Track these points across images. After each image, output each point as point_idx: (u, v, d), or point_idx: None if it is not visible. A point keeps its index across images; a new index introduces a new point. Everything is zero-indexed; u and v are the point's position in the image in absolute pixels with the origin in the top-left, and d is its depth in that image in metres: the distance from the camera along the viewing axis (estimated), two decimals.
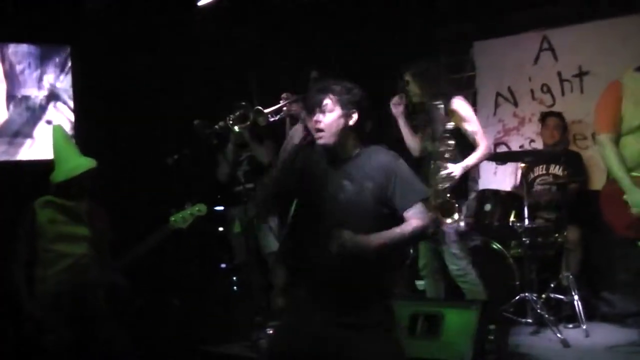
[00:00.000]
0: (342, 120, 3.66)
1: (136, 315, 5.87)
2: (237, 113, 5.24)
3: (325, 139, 3.66)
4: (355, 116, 3.69)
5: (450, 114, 5.57)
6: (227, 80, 7.53)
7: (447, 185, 5.40)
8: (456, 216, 5.38)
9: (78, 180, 4.89)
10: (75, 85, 7.19)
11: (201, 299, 6.69)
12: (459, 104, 5.64)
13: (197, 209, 5.05)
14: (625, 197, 4.91)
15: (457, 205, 5.41)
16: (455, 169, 5.41)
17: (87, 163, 4.95)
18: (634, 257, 5.24)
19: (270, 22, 7.71)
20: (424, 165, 5.62)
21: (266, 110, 4.93)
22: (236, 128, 5.22)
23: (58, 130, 5.18)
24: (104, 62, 7.04)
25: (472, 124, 5.62)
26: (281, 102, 5.34)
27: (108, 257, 5.01)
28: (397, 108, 5.90)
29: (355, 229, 3.48)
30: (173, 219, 4.99)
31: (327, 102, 3.65)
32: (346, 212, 3.59)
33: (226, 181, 6.71)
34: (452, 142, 5.45)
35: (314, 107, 3.66)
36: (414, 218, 3.60)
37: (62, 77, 7.17)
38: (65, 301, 4.74)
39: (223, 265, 6.97)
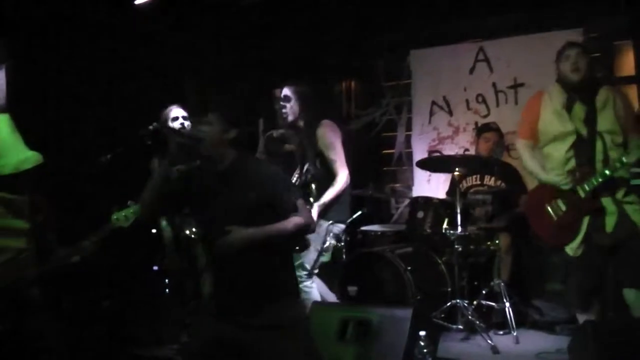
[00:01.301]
0: (220, 135, 3.86)
1: (66, 315, 5.77)
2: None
3: (206, 151, 3.84)
4: (234, 131, 3.90)
5: (316, 139, 5.66)
6: (165, 79, 7.47)
7: None
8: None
9: (25, 175, 4.75)
10: (9, 81, 7.02)
11: (132, 301, 6.60)
12: (324, 131, 5.70)
13: (139, 207, 4.84)
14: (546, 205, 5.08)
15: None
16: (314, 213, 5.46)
17: (34, 158, 4.77)
18: (563, 265, 5.31)
19: (210, 23, 7.66)
20: None
21: None
22: None
23: (3, 120, 4.91)
24: (38, 59, 6.90)
25: (333, 152, 5.67)
26: None
27: (53, 250, 4.89)
28: None
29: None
30: (115, 217, 4.94)
31: (208, 116, 3.88)
32: (232, 218, 3.73)
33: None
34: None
35: (197, 119, 3.93)
36: (296, 216, 3.84)
37: None
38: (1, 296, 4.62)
39: (155, 268, 6.87)
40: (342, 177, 5.66)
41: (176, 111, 6.52)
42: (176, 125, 6.39)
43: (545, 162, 5.18)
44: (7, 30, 6.77)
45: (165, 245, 6.67)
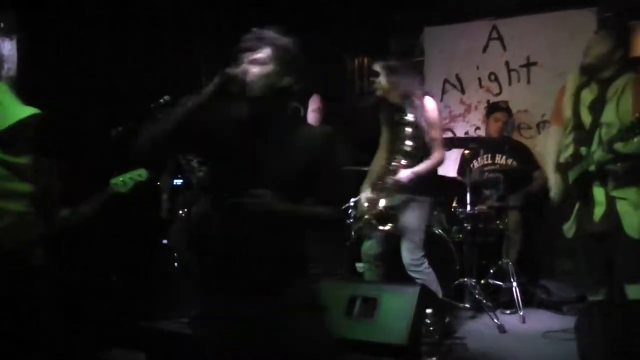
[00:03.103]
0: (273, 79, 3.20)
1: (74, 290, 5.81)
2: None
3: (251, 93, 3.17)
4: (288, 79, 3.23)
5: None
6: (175, 51, 7.47)
7: (390, 194, 5.44)
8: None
9: (21, 129, 4.64)
10: (20, 53, 7.01)
11: (141, 275, 6.63)
12: (429, 104, 5.53)
13: (137, 173, 4.97)
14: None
15: (396, 213, 5.44)
16: (403, 175, 5.38)
17: (29, 110, 4.68)
18: (572, 246, 5.26)
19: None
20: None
21: None
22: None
23: (2, 88, 4.88)
24: (50, 31, 6.88)
25: (434, 130, 5.50)
26: None
27: (55, 213, 4.88)
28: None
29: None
30: (113, 182, 4.93)
31: (262, 54, 3.20)
32: (265, 180, 3.12)
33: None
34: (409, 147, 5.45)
35: (246, 54, 3.21)
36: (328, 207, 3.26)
37: (7, 44, 6.98)
38: (3, 260, 4.66)
39: (165, 242, 6.90)
40: (439, 155, 5.53)
41: None
42: None
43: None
44: (18, 1, 6.76)
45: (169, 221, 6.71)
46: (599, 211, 4.56)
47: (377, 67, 5.71)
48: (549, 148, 5.03)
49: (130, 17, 7.13)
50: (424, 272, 5.53)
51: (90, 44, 6.94)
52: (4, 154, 4.76)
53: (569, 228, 4.76)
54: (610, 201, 4.57)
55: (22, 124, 4.64)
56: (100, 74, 6.96)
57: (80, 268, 6.05)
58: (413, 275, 5.53)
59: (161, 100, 5.86)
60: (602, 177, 4.57)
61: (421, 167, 5.46)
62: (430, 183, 5.57)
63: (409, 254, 5.51)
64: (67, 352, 4.93)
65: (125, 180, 4.94)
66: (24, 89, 6.68)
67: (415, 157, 5.47)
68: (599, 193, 4.60)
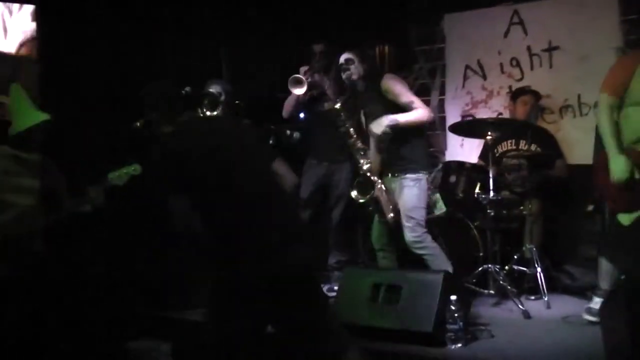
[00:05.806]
0: None
1: (97, 280, 5.85)
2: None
3: None
4: None
5: (384, 93, 5.68)
6: (198, 45, 7.47)
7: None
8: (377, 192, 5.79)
9: (35, 132, 5.13)
10: (40, 45, 7.01)
11: (164, 263, 6.65)
12: (389, 83, 5.71)
13: (132, 168, 5.40)
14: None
15: (376, 183, 5.80)
16: (376, 128, 5.58)
17: (43, 116, 5.18)
18: (615, 231, 5.17)
19: None
20: None
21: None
22: None
23: (16, 89, 5.36)
24: (69, 24, 6.89)
25: (404, 96, 5.67)
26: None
27: (61, 205, 5.27)
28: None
29: None
30: (111, 176, 5.33)
31: None
32: None
33: None
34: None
35: None
36: None
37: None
38: (10, 247, 4.94)
39: None
40: (420, 110, 5.67)
41: (214, 87, 6.55)
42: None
43: (622, 122, 4.91)
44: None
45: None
46: None
47: (350, 55, 5.85)
48: (604, 125, 4.90)
49: (150, 10, 7.13)
50: (429, 247, 5.60)
51: (110, 38, 6.95)
52: (18, 151, 5.10)
53: (635, 216, 4.72)
54: None
55: (37, 127, 5.01)
56: (120, 67, 6.96)
57: (105, 260, 6.10)
58: (419, 252, 5.60)
59: (182, 92, 5.87)
60: None
61: (403, 117, 5.58)
62: (421, 159, 5.80)
63: (410, 232, 5.57)
64: (94, 344, 5.05)
65: (121, 175, 5.37)
66: (43, 84, 6.75)
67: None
68: None
